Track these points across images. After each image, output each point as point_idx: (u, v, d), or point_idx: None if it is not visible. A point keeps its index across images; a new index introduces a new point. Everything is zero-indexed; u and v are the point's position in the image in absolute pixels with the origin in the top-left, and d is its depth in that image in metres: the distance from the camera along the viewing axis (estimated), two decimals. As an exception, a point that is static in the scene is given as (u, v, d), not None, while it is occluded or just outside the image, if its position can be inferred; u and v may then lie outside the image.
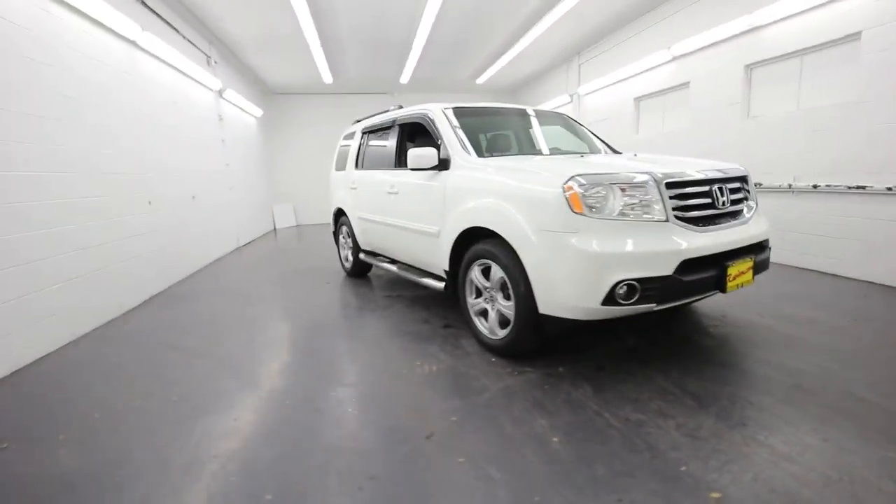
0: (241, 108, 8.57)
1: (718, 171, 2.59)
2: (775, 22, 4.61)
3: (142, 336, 3.41)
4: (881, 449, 1.73)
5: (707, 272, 2.28)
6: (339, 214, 5.28)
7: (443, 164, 3.15)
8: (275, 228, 11.11)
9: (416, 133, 4.29)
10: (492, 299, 2.78)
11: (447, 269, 3.14)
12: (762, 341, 2.83)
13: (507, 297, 2.64)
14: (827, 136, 4.23)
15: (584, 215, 2.20)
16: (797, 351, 2.66)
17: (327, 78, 9.47)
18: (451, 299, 3.96)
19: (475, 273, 2.86)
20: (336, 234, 5.52)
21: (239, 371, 2.70)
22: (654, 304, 2.21)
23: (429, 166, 3.17)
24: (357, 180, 4.64)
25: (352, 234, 4.87)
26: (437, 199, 3.18)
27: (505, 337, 2.66)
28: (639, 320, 3.22)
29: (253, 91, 9.68)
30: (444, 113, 3.41)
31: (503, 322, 2.70)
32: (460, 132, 3.24)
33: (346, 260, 5.25)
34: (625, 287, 2.14)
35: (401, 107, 4.29)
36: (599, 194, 2.22)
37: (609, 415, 2.06)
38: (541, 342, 2.61)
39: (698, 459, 1.70)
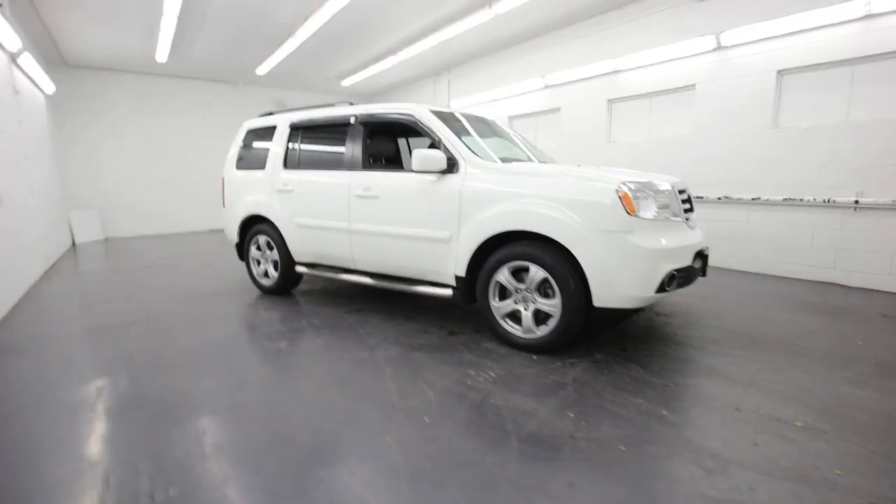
0: (33, 81, 6.25)
1: (679, 182, 3.28)
2: (633, 69, 5.94)
3: None
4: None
5: (699, 261, 2.90)
6: (252, 223, 4.45)
7: (449, 168, 3.09)
8: (74, 244, 8.40)
9: (382, 133, 3.99)
10: (525, 299, 2.87)
11: (462, 274, 3.07)
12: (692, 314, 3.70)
13: (547, 296, 2.79)
14: (669, 159, 5.68)
15: (636, 216, 2.54)
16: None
17: (162, 55, 7.70)
18: (447, 305, 3.86)
19: (504, 276, 2.90)
20: (243, 247, 4.61)
21: None
22: (680, 288, 2.70)
23: (437, 169, 3.06)
24: (291, 182, 4.02)
25: (280, 245, 4.18)
26: (447, 204, 3.08)
27: (547, 334, 2.80)
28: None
29: (40, 59, 7.16)
30: (435, 115, 3.33)
31: (539, 320, 2.84)
32: (464, 136, 3.22)
33: (265, 276, 4.46)
34: (671, 276, 2.57)
35: (351, 103, 3.93)
36: (644, 198, 2.59)
37: (673, 384, 2.44)
38: (577, 335, 2.84)
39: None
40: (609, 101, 6.32)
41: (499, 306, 2.97)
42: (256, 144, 4.58)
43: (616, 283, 2.55)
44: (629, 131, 6.24)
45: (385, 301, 4.14)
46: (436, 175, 3.15)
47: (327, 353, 2.93)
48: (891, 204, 4.03)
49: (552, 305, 2.75)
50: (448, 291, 3.20)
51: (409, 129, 3.49)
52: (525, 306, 2.88)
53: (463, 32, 6.72)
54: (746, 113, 4.89)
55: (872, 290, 4.27)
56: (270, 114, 4.56)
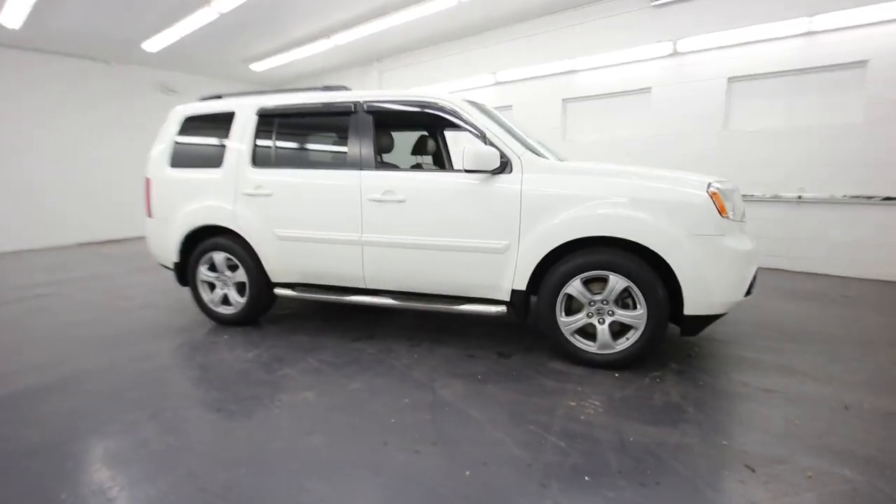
0: None
1: None
2: (589, 70, 6.06)
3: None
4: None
5: None
6: (201, 236, 3.44)
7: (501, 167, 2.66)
8: None
9: (394, 126, 3.32)
10: (600, 312, 2.59)
11: (522, 288, 2.67)
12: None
13: (626, 306, 2.54)
14: (624, 159, 5.92)
15: (727, 218, 2.41)
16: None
17: (15, 20, 5.73)
18: (468, 322, 3.35)
19: (576, 287, 2.58)
20: (186, 268, 3.55)
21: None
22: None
23: (490, 169, 2.61)
24: (267, 184, 3.17)
25: (250, 263, 3.28)
26: (503, 208, 2.65)
27: (628, 348, 2.55)
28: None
29: None
30: (472, 105, 2.87)
31: (616, 334, 2.58)
32: (512, 129, 2.80)
33: (224, 303, 3.48)
34: (755, 278, 2.50)
35: (344, 87, 3.23)
36: (730, 199, 2.48)
37: (774, 390, 2.37)
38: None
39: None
40: (564, 100, 6.38)
41: (568, 322, 2.64)
42: (202, 136, 3.57)
43: (712, 290, 2.40)
44: (585, 131, 6.37)
45: (385, 322, 3.52)
46: (483, 176, 2.69)
47: (377, 400, 2.30)
48: (828, 198, 4.65)
49: (635, 317, 2.51)
50: (499, 309, 2.77)
51: (432, 122, 2.97)
52: (599, 319, 2.60)
53: (407, 21, 6.20)
54: (700, 116, 5.28)
55: (813, 273, 4.90)
56: (218, 97, 3.58)
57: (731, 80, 5.05)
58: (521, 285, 2.67)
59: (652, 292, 2.44)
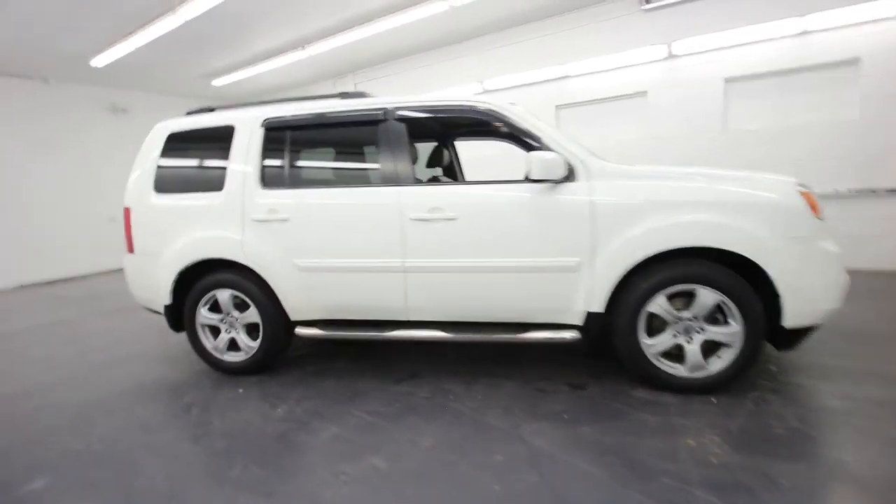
0: None
1: None
2: (582, 75, 5.96)
3: None
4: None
5: None
6: (201, 272, 2.91)
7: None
8: None
9: (426, 136, 2.93)
10: (687, 330, 2.33)
11: (600, 310, 2.37)
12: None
13: (717, 322, 2.30)
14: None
15: (820, 219, 2.24)
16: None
17: None
18: (514, 351, 3.00)
19: (660, 304, 2.31)
20: (182, 310, 2.99)
21: None
22: None
23: (557, 178, 2.32)
24: (283, 207, 2.72)
25: (265, 300, 2.79)
26: (572, 221, 2.36)
27: (724, 369, 2.31)
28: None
29: None
30: (515, 107, 2.58)
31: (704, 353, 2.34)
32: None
33: (231, 349, 2.95)
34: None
35: (363, 94, 2.85)
36: (817, 199, 2.31)
37: (857, 394, 2.20)
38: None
39: None
40: (557, 106, 6.25)
41: (652, 343, 2.37)
42: (192, 156, 3.07)
43: (813, 298, 2.21)
44: (580, 137, 6.24)
45: (420, 356, 3.11)
46: (545, 186, 2.40)
47: (464, 460, 1.91)
48: (832, 193, 4.72)
49: (730, 333, 2.28)
50: (572, 335, 2.46)
51: (462, 130, 2.66)
52: (688, 339, 2.35)
53: (390, 29, 5.89)
54: (699, 118, 5.28)
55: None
56: (210, 110, 3.09)
57: (727, 80, 5.09)
58: (599, 307, 2.37)
59: (749, 305, 2.22)
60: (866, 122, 4.46)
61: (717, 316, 2.31)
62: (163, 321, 3.06)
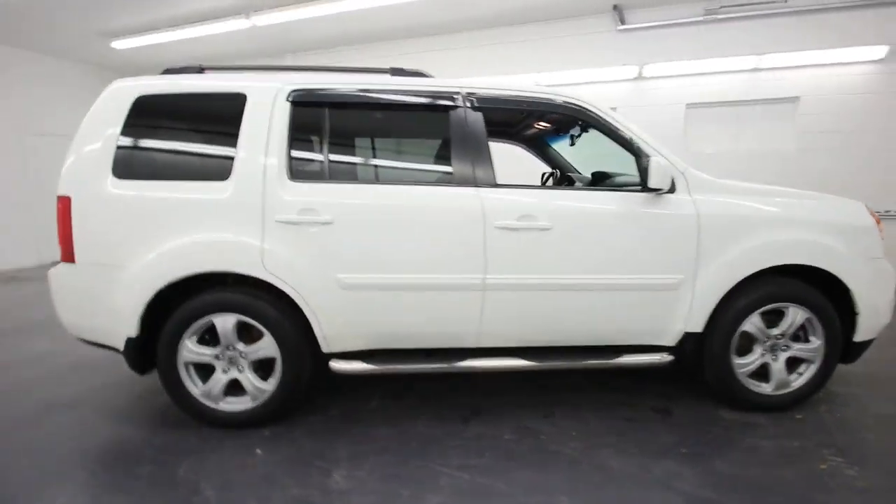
0: None
1: None
2: (555, 86, 5.97)
3: None
4: None
5: None
6: (182, 291, 2.12)
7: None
8: None
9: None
10: (773, 349, 2.30)
11: (699, 330, 2.22)
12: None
13: (798, 339, 2.31)
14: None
15: (882, 239, 2.38)
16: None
17: None
18: (555, 375, 2.70)
19: (754, 323, 2.25)
20: (155, 345, 2.15)
21: None
22: None
23: (666, 187, 2.12)
24: (324, 207, 2.09)
25: (287, 327, 2.12)
26: (675, 235, 2.18)
27: (804, 384, 2.32)
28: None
29: None
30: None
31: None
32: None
33: (231, 393, 2.20)
34: (892, 298, 2.52)
35: (421, 73, 2.36)
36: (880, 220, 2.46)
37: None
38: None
39: None
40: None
41: (743, 363, 2.29)
42: (174, 131, 2.26)
43: (879, 313, 2.32)
44: (546, 147, 6.27)
45: (461, 386, 2.68)
46: (644, 196, 2.19)
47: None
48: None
49: (812, 350, 2.30)
50: (667, 357, 2.28)
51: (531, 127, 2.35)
52: (773, 357, 2.32)
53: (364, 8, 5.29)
54: (664, 138, 5.58)
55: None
56: (199, 70, 2.30)
57: (688, 106, 5.50)
58: (698, 327, 2.23)
59: (831, 322, 2.26)
60: (801, 153, 5.14)
61: (798, 333, 2.33)
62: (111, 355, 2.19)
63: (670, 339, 2.28)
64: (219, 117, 2.21)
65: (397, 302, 2.17)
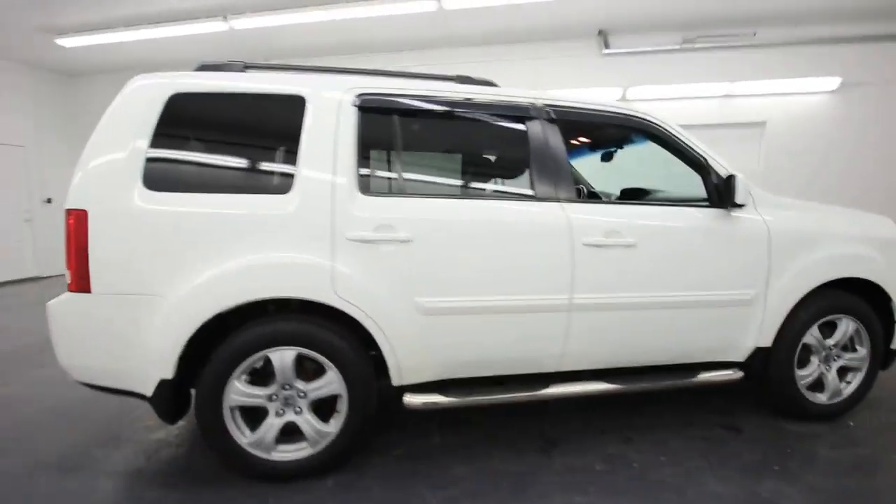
0: None
1: None
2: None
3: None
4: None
5: None
6: (227, 323, 1.81)
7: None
8: None
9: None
10: (827, 359, 2.39)
11: (768, 344, 2.25)
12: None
13: (846, 349, 2.42)
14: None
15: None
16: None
17: None
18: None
19: (814, 335, 2.32)
20: (192, 386, 1.80)
21: None
22: None
23: (743, 202, 2.14)
24: (401, 223, 1.88)
25: (357, 361, 1.87)
26: (748, 250, 2.21)
27: (853, 392, 2.42)
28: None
29: None
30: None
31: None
32: None
33: (285, 440, 1.88)
34: None
35: (490, 82, 2.23)
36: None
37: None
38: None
39: None
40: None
41: (804, 375, 2.34)
42: (217, 136, 1.96)
43: (911, 323, 2.49)
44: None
45: (518, 414, 2.52)
46: (717, 211, 2.20)
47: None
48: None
49: (860, 359, 2.41)
50: (735, 374, 2.28)
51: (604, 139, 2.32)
52: (827, 367, 2.40)
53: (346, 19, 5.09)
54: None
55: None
56: (241, 67, 2.02)
57: (667, 127, 5.81)
58: (768, 341, 2.25)
59: (876, 332, 2.39)
60: (768, 172, 5.60)
61: (846, 343, 2.44)
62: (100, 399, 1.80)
63: (740, 355, 2.29)
64: (272, 122, 1.95)
65: (480, 326, 1.99)
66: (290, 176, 1.87)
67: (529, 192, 2.06)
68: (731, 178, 2.10)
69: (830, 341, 2.36)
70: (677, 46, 5.59)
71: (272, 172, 1.92)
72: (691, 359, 2.28)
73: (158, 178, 1.81)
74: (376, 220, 1.87)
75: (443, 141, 2.18)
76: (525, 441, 2.22)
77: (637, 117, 2.27)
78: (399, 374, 1.95)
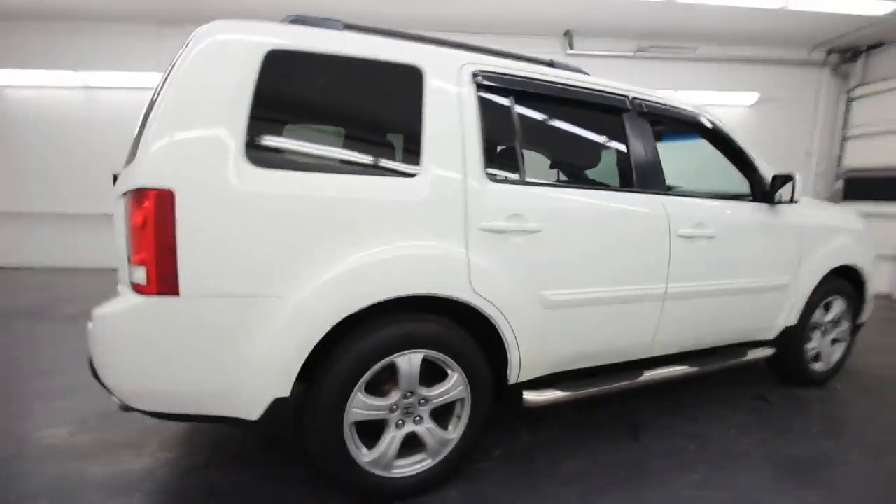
0: None
1: None
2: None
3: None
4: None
5: None
6: (353, 323, 1.56)
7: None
8: None
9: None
10: (825, 334, 2.83)
11: (794, 323, 2.58)
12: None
13: (837, 325, 2.88)
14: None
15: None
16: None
17: None
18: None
19: (818, 314, 2.74)
20: (316, 401, 1.51)
21: None
22: None
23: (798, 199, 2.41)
24: (530, 212, 1.78)
25: (478, 361, 1.74)
26: (787, 240, 2.52)
27: (839, 359, 2.92)
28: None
29: None
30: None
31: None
32: None
33: (410, 453, 1.68)
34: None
35: (581, 70, 2.21)
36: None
37: None
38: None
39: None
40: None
41: (810, 347, 2.75)
42: (326, 106, 1.64)
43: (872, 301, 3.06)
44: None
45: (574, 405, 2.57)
46: (764, 205, 2.46)
47: None
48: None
49: (844, 332, 2.90)
50: (767, 351, 2.58)
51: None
52: (823, 341, 2.84)
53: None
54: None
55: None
56: (339, 26, 1.71)
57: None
58: (794, 320, 2.59)
59: (857, 307, 2.90)
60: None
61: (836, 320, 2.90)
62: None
63: (773, 334, 2.60)
64: (387, 94, 1.68)
65: (594, 319, 1.97)
66: (415, 158, 1.65)
67: (637, 183, 2.08)
68: (789, 177, 2.35)
69: (828, 318, 2.81)
70: (631, 53, 6.06)
71: (393, 153, 1.67)
72: (742, 339, 2.54)
73: (264, 153, 1.47)
74: (507, 209, 1.74)
75: (550, 127, 2.09)
76: (609, 430, 2.27)
77: (705, 117, 2.42)
78: (518, 371, 1.85)
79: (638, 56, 6.07)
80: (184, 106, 1.40)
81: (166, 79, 1.51)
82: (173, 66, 1.51)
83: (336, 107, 1.65)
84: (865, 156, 5.87)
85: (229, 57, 1.46)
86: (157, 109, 1.42)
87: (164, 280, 1.35)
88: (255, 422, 1.47)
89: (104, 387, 1.52)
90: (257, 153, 1.45)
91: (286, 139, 1.57)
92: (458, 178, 1.68)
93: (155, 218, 1.34)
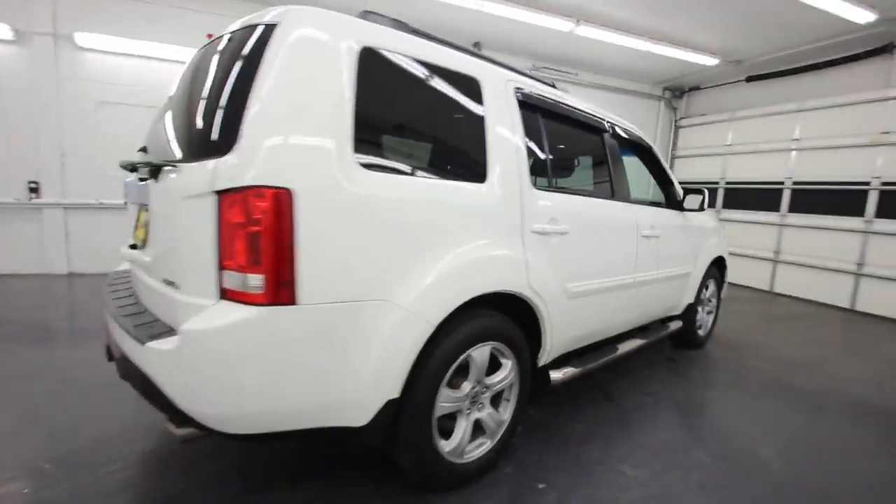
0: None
1: None
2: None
3: None
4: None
5: None
6: (457, 316, 1.65)
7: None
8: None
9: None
10: (704, 306, 3.76)
11: (693, 301, 3.39)
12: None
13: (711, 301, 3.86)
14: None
15: (720, 239, 4.23)
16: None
17: None
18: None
19: (704, 293, 3.63)
20: (421, 400, 1.54)
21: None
22: None
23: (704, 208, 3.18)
24: (562, 216, 2.07)
25: (525, 348, 1.96)
26: (695, 238, 3.31)
27: (711, 326, 3.89)
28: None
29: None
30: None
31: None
32: None
33: (474, 438, 1.80)
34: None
35: (554, 84, 2.57)
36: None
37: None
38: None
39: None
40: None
41: (698, 319, 3.63)
42: (409, 109, 1.67)
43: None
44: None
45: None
46: (680, 212, 3.18)
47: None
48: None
49: (714, 305, 3.89)
50: (679, 323, 3.34)
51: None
52: (704, 312, 3.78)
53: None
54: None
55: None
56: (414, 31, 1.74)
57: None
58: (692, 299, 3.40)
59: (720, 287, 3.92)
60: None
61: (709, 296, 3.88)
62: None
63: (681, 310, 3.38)
64: (454, 102, 1.77)
65: (598, 305, 2.36)
66: (482, 164, 1.78)
67: (616, 194, 2.52)
68: (699, 191, 3.09)
69: (706, 295, 3.75)
70: (528, 70, 6.79)
71: (468, 159, 1.76)
72: (667, 314, 3.24)
73: (369, 155, 1.45)
74: (548, 214, 2.00)
75: (565, 142, 2.38)
76: (590, 396, 2.71)
77: (646, 141, 3.01)
78: (546, 354, 2.13)
79: (532, 74, 6.83)
80: (292, 103, 1.31)
81: (227, 65, 1.38)
82: (245, 52, 1.37)
83: (415, 110, 1.68)
84: (688, 172, 7.68)
85: (331, 52, 1.41)
86: (260, 104, 1.29)
87: (282, 287, 1.26)
88: (361, 428, 1.45)
89: (173, 414, 1.31)
90: (363, 155, 1.43)
91: (385, 141, 1.56)
92: (516, 183, 1.87)
93: (273, 219, 1.24)
